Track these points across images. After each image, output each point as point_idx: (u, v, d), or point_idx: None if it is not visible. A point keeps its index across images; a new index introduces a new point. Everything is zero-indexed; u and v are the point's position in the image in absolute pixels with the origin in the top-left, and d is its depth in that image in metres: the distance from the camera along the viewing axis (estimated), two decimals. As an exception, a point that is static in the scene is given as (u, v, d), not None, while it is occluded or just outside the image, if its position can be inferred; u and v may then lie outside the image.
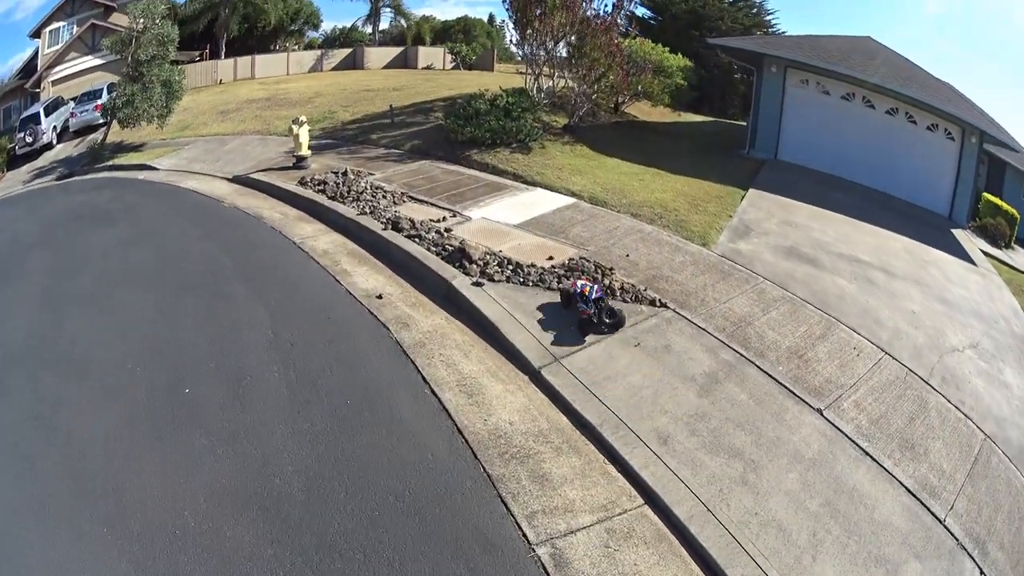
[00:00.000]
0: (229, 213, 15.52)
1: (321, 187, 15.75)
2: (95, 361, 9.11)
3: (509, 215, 14.10)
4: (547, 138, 20.74)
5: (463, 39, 64.23)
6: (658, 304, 10.11)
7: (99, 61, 39.88)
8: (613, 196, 15.39)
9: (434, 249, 11.71)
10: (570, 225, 13.56)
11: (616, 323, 9.50)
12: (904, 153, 21.49)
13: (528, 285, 10.52)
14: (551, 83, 23.62)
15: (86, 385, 8.52)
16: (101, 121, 31.17)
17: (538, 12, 21.47)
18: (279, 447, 7.06)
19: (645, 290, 10.47)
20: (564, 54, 22.96)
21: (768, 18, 47.73)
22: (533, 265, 11.10)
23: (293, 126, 18.55)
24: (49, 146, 34.33)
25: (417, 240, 12.08)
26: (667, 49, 28.78)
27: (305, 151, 18.59)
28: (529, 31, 22.29)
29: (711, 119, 35.74)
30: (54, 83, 43.69)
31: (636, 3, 27.06)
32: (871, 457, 7.64)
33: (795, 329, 9.93)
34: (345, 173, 16.89)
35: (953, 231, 19.41)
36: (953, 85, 23.87)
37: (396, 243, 12.04)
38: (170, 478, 6.69)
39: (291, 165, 18.63)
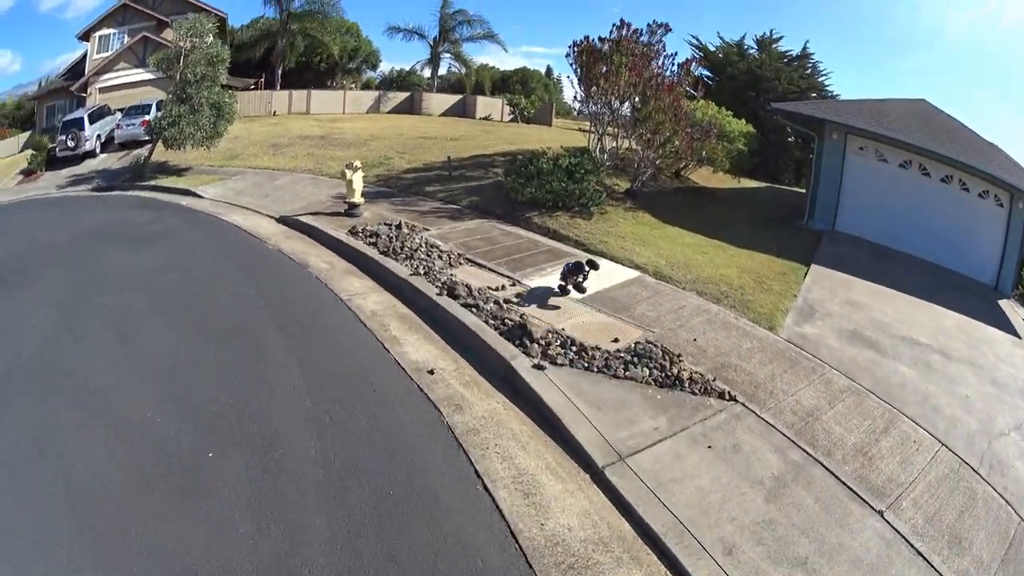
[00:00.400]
0: (273, 256, 15.45)
1: (373, 239, 15.65)
2: (111, 400, 8.86)
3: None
4: (609, 203, 20.67)
5: (521, 90, 65.46)
6: (727, 397, 9.77)
7: (149, 76, 40.77)
8: (678, 271, 15.18)
9: (492, 322, 11.36)
10: (635, 302, 13.22)
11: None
12: (955, 221, 21.15)
13: (592, 371, 10.10)
14: (614, 144, 23.57)
15: (99, 429, 8.23)
16: (146, 137, 31.44)
17: (603, 70, 21.61)
18: (310, 534, 6.64)
19: (714, 380, 10.13)
20: (628, 114, 22.91)
21: (822, 79, 48.46)
22: (598, 348, 10.70)
23: (347, 171, 18.55)
24: (92, 154, 35.04)
25: (474, 310, 11.77)
26: (730, 113, 28.89)
27: (358, 198, 18.58)
28: (594, 89, 22.36)
29: (765, 185, 36.02)
30: (101, 90, 44.78)
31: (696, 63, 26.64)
32: (923, 557, 7.55)
33: (860, 423, 9.74)
34: (399, 226, 16.80)
35: (1000, 302, 18.88)
36: (999, 146, 23.59)
37: (451, 312, 11.73)
38: (185, 550, 6.31)
39: (342, 211, 18.66)
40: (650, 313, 12.71)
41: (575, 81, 23.00)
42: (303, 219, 18.26)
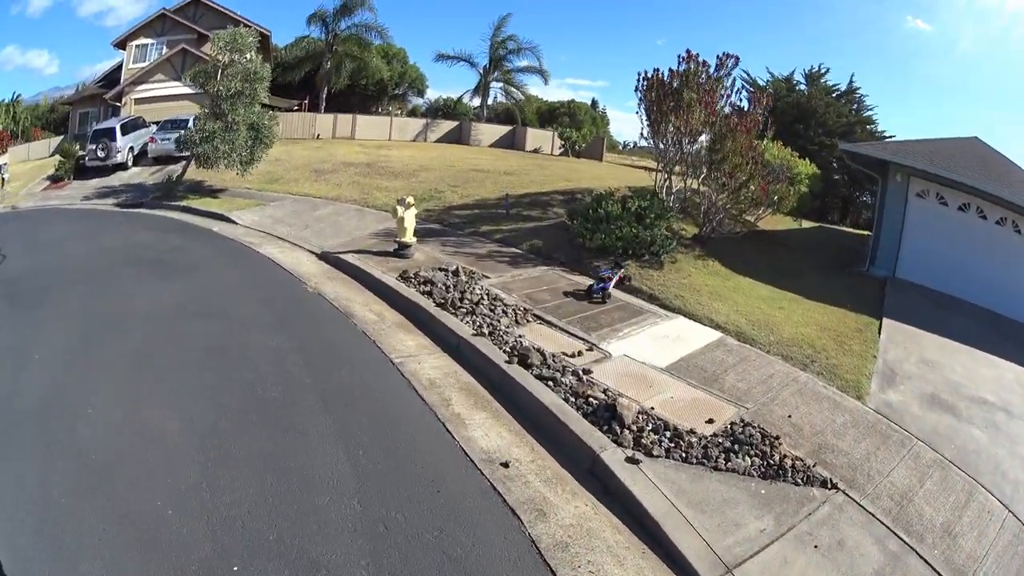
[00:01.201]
0: (312, 301, 14.10)
1: (427, 287, 14.26)
2: (117, 481, 7.38)
3: (654, 353, 12.46)
4: (679, 250, 19.39)
5: (569, 123, 65.30)
6: (829, 485, 8.87)
7: (188, 90, 40.70)
8: (760, 331, 14.19)
9: (574, 400, 9.88)
10: (723, 371, 12.04)
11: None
12: (1008, 265, 20.19)
13: (691, 462, 8.77)
14: (681, 184, 22.48)
15: (99, 518, 6.74)
16: (182, 153, 30.83)
17: (672, 104, 20.52)
18: None
19: (814, 466, 9.23)
20: (694, 151, 21.84)
21: (868, 113, 49.21)
22: (693, 432, 9.41)
23: (398, 207, 17.25)
24: (123, 166, 35.42)
25: (551, 385, 10.25)
26: (796, 153, 28.55)
27: (409, 237, 17.30)
28: (662, 126, 21.21)
29: (816, 225, 35.38)
30: (136, 101, 45.47)
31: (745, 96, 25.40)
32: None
33: (946, 500, 9.28)
34: (456, 272, 15.45)
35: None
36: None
37: (525, 385, 10.20)
38: None
39: (391, 251, 17.40)
40: (740, 385, 11.55)
41: (642, 116, 21.90)
42: (347, 258, 16.99)
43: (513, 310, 13.49)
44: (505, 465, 8.36)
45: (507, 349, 11.37)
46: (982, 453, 10.75)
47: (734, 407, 10.59)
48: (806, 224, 33.02)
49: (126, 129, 36.19)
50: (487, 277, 15.83)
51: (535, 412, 9.72)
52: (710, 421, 9.92)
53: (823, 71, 49.64)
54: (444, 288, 14.12)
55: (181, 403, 9.26)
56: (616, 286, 15.29)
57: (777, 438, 9.67)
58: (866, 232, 31.96)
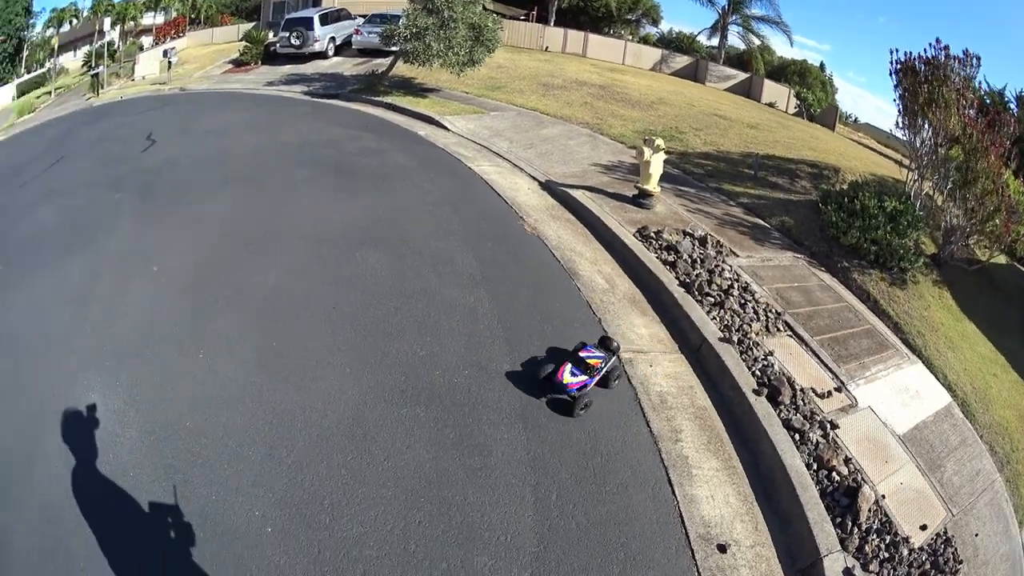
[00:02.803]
0: (528, 246, 12.27)
1: (670, 256, 12.36)
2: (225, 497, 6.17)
3: (895, 410, 10.58)
4: (921, 270, 16.66)
5: (799, 82, 62.99)
6: None
7: None
8: (978, 404, 12.19)
9: (815, 468, 8.12)
10: (946, 454, 10.23)
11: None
12: None
13: None
14: (929, 191, 19.41)
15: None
16: (387, 47, 30.33)
17: (925, 98, 17.63)
18: None
19: None
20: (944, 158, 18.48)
21: None
22: (907, 541, 7.98)
23: (645, 148, 15.06)
24: (323, 55, 36.24)
25: (797, 440, 8.35)
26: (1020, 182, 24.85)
27: (653, 186, 15.25)
28: (918, 120, 18.36)
29: (1007, 262, 31.14)
30: None
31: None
32: None
33: None
34: (704, 242, 13.40)
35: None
36: None
37: (769, 433, 8.28)
38: None
39: (629, 197, 15.50)
40: (955, 479, 9.93)
41: (898, 103, 19.06)
42: (576, 194, 15.11)
43: (764, 311, 11.44)
44: (722, 549, 6.67)
45: (756, 371, 9.43)
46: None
47: (944, 510, 9.23)
48: (1000, 261, 30.02)
49: (325, 20, 36.54)
50: (735, 254, 13.75)
51: (772, 474, 7.97)
52: (923, 527, 8.57)
53: (1035, 94, 44.96)
54: (689, 262, 12.21)
55: (335, 386, 7.65)
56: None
57: (960, 563, 8.42)
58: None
